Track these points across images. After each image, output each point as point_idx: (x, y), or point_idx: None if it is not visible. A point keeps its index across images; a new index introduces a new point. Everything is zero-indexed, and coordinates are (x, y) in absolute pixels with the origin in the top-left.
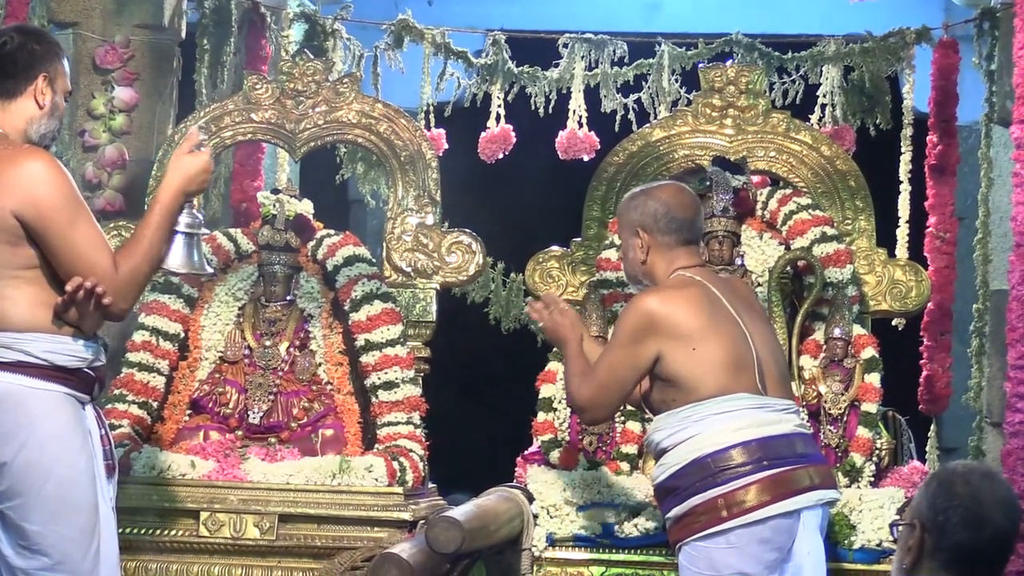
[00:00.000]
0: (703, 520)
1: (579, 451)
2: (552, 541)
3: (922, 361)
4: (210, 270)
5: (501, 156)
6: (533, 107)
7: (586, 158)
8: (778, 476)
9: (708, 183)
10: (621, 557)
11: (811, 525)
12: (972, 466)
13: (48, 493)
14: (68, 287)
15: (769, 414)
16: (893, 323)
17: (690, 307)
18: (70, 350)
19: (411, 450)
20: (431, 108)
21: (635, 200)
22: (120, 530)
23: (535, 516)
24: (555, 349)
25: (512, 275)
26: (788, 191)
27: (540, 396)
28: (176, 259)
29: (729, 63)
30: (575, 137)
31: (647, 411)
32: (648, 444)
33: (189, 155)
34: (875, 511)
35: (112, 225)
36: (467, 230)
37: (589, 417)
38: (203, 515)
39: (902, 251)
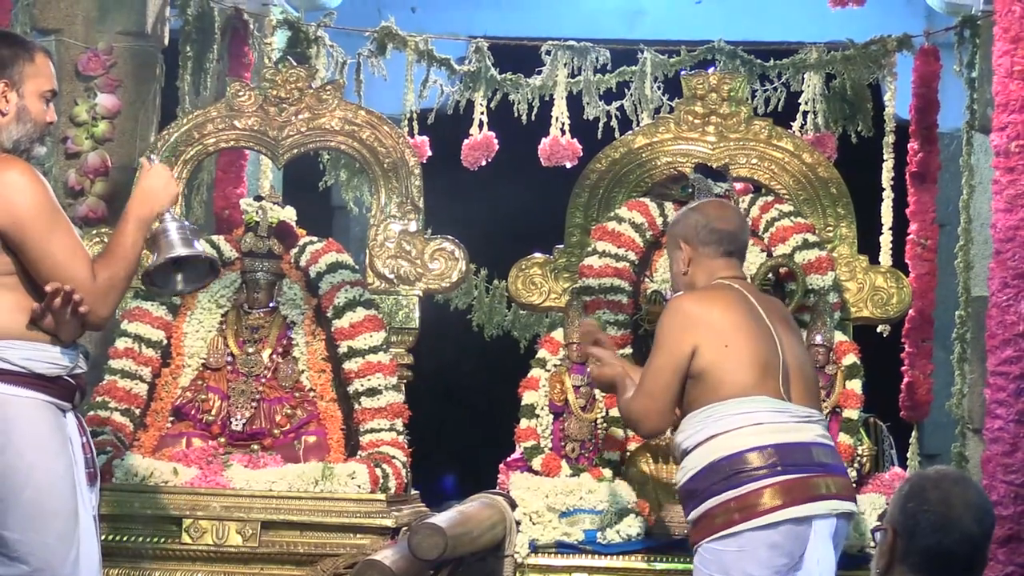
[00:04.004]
0: (717, 523)
1: (562, 457)
2: (534, 547)
3: (903, 368)
4: (212, 251)
5: (484, 163)
6: (516, 114)
7: (569, 165)
8: (792, 482)
9: (690, 190)
10: (603, 563)
11: (823, 534)
12: (945, 471)
13: (27, 500)
14: (48, 288)
15: (789, 420)
16: (878, 330)
17: (725, 306)
18: (50, 357)
19: (394, 457)
20: (414, 115)
21: (681, 214)
22: (102, 537)
23: (518, 522)
24: (538, 356)
25: (495, 282)
26: (770, 198)
27: (522, 403)
28: (179, 247)
29: (711, 70)
30: (558, 144)
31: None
32: (673, 448)
33: (148, 173)
34: (856, 517)
35: (95, 232)
36: (450, 237)
37: (645, 429)
38: (185, 522)
39: (884, 258)
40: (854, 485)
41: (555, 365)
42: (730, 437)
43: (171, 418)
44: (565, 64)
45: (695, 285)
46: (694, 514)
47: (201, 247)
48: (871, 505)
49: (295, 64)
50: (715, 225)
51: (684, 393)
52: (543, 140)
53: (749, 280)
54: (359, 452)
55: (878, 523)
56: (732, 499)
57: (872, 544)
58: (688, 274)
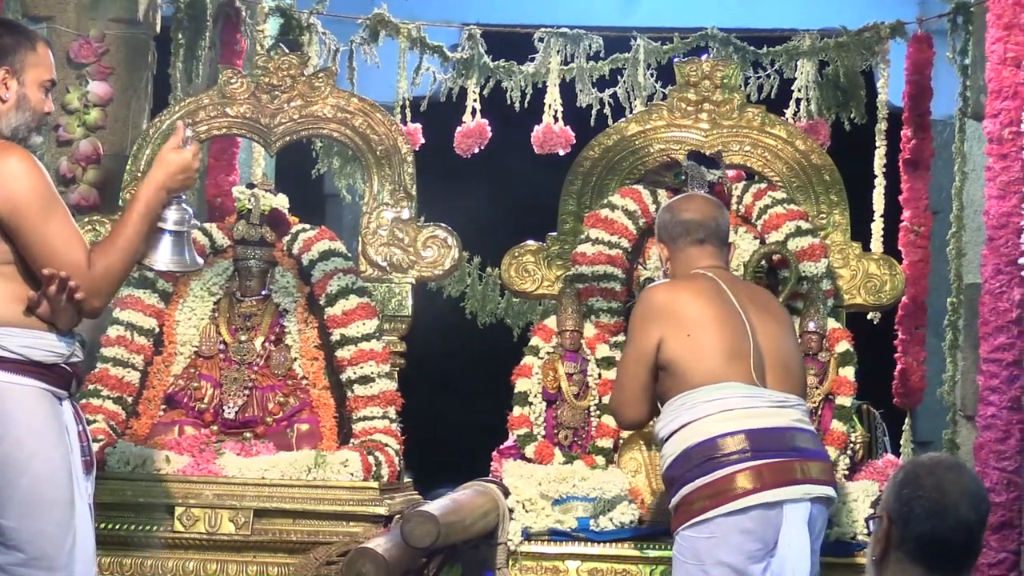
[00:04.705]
0: (689, 510)
1: (554, 445)
2: (527, 535)
3: (896, 355)
4: (201, 262)
5: (477, 150)
6: (509, 101)
7: (562, 152)
8: (764, 467)
9: (683, 177)
10: (596, 551)
11: (796, 519)
12: (939, 458)
13: (24, 488)
14: (44, 272)
15: (762, 405)
16: (868, 317)
17: (690, 296)
18: (47, 345)
19: (387, 444)
20: (407, 102)
21: (655, 218)
22: (94, 525)
23: (510, 510)
24: (531, 344)
25: (488, 269)
26: (763, 185)
27: (515, 390)
28: (165, 258)
29: (704, 57)
30: (551, 131)
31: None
32: (654, 437)
33: (173, 151)
34: (849, 504)
35: (86, 220)
36: (443, 224)
37: (621, 419)
38: (178, 510)
39: (876, 245)
40: (846, 471)
41: (548, 353)
42: (702, 424)
43: (163, 406)
44: (558, 51)
45: (676, 277)
46: (673, 501)
47: (188, 256)
48: (864, 492)
49: (287, 51)
50: (680, 217)
51: (659, 384)
52: (536, 127)
53: (743, 267)
54: (352, 440)
55: (872, 511)
56: (704, 485)
57: (865, 532)
58: (669, 272)
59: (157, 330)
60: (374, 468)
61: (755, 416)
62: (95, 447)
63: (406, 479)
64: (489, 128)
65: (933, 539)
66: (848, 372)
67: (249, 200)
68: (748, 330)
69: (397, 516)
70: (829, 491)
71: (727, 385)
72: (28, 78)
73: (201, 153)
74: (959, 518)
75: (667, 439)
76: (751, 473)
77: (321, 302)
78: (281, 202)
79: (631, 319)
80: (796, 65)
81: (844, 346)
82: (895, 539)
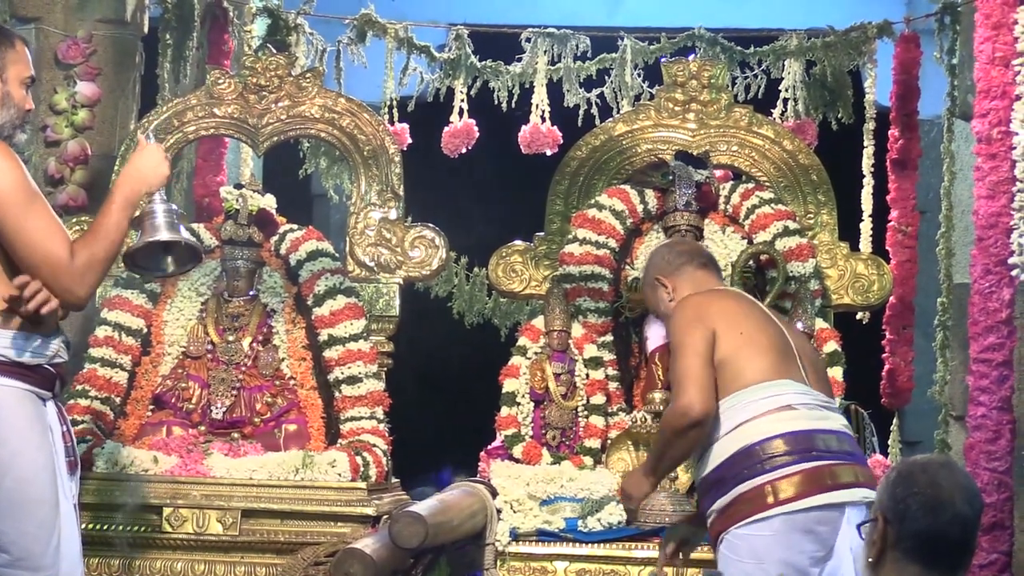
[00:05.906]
0: (748, 508)
1: (542, 445)
2: (515, 536)
3: (884, 355)
4: (202, 243)
5: (464, 151)
6: (496, 102)
7: (549, 152)
8: (823, 468)
9: (671, 177)
10: (584, 551)
11: (855, 521)
12: (931, 457)
13: (7, 489)
14: (16, 282)
15: (814, 407)
16: (857, 317)
17: (731, 300)
18: (30, 346)
19: (374, 445)
20: (394, 103)
21: (644, 267)
22: (83, 526)
23: (498, 511)
24: (518, 344)
25: (475, 269)
26: (750, 185)
27: (503, 391)
28: (162, 231)
29: (691, 57)
30: (538, 131)
31: None
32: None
33: (138, 152)
34: None
35: (74, 220)
36: (430, 224)
37: (687, 415)
38: (166, 511)
39: (864, 245)
40: None
41: (535, 353)
42: (761, 422)
43: (151, 406)
44: (545, 51)
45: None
46: (721, 502)
47: (186, 233)
48: None
49: (275, 52)
50: (677, 249)
51: None
52: (523, 127)
53: (731, 267)
54: (339, 440)
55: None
56: (766, 483)
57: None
58: (675, 300)
59: (145, 330)
60: (362, 468)
61: (812, 418)
62: (83, 448)
63: (393, 479)
64: (476, 128)
65: (930, 535)
66: (836, 372)
67: (237, 200)
68: (786, 333)
69: (385, 516)
70: (874, 495)
71: (782, 383)
72: (9, 76)
73: (186, 152)
74: (955, 513)
75: (717, 440)
76: (814, 474)
77: (309, 302)
78: (269, 202)
79: (674, 329)
80: (783, 65)
81: (832, 346)
82: (891, 539)
